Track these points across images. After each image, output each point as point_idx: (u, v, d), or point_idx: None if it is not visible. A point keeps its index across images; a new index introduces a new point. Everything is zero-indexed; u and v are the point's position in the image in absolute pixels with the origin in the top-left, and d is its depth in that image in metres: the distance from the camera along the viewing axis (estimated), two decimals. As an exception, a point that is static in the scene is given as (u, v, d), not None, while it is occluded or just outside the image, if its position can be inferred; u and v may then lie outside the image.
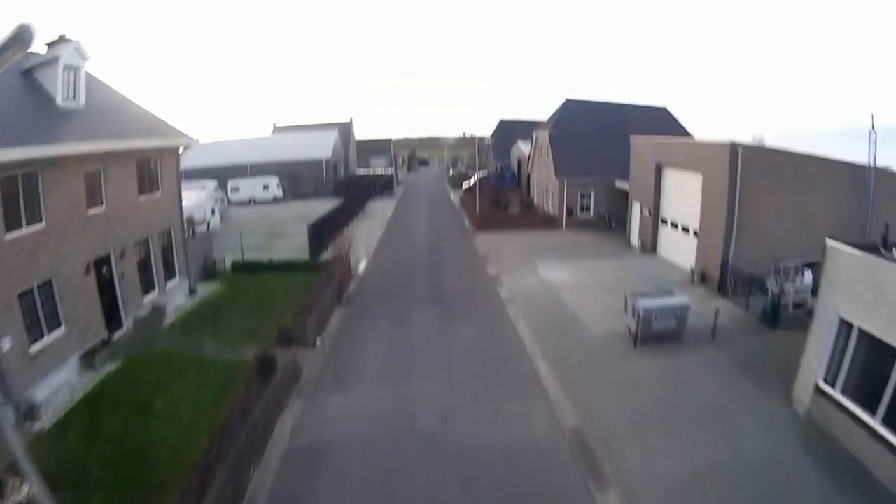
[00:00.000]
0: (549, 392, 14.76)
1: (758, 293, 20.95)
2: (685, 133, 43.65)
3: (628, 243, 32.51)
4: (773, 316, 19.15)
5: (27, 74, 16.72)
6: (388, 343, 18.31)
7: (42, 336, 14.66)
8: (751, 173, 21.88)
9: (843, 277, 12.70)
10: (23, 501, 8.84)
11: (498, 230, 37.82)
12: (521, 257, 29.54)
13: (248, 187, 56.81)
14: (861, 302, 11.96)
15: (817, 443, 12.11)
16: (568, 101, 43.13)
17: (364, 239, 34.70)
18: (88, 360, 15.89)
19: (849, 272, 12.56)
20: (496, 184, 54.77)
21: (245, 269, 26.08)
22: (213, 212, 36.94)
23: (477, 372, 15.95)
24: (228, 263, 26.50)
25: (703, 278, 23.79)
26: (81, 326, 16.14)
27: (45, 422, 13.01)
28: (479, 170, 54.50)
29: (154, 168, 20.84)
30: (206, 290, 23.44)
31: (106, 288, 17.64)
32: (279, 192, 57.16)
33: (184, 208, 25.37)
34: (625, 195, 34.63)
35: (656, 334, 17.57)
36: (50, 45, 17.64)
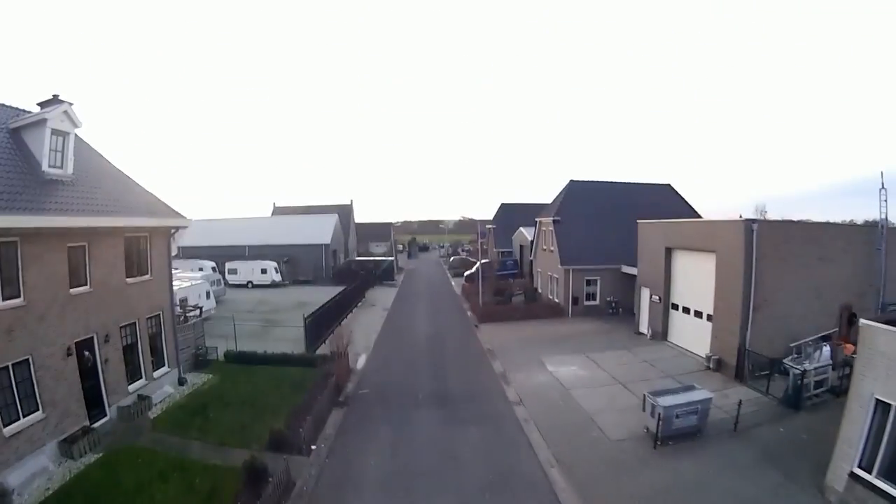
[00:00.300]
0: (567, 506, 13.26)
1: (776, 375, 20.17)
2: (690, 209, 43.65)
3: (637, 331, 31.35)
4: (796, 398, 18.45)
5: (14, 134, 16.20)
6: (389, 451, 16.63)
7: (18, 418, 13.77)
8: (766, 250, 21.43)
9: (878, 356, 12.20)
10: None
11: (502, 321, 36.58)
12: (528, 351, 28.15)
13: (245, 270, 56.23)
14: None
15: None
16: (572, 182, 42.99)
17: (364, 331, 33.39)
18: (67, 447, 14.85)
19: (885, 350, 12.04)
20: (498, 272, 54.00)
21: (238, 359, 24.64)
22: (207, 295, 35.84)
23: (487, 488, 14.34)
24: (221, 353, 25.14)
25: (720, 365, 22.73)
26: (60, 412, 15.14)
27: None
28: (480, 258, 53.91)
29: (144, 248, 20.05)
30: (197, 380, 22.03)
31: (88, 373, 16.62)
32: (277, 277, 56.47)
33: (177, 290, 24.43)
34: (631, 280, 33.88)
35: (677, 432, 16.40)
36: (42, 104, 17.29)
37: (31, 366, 14.18)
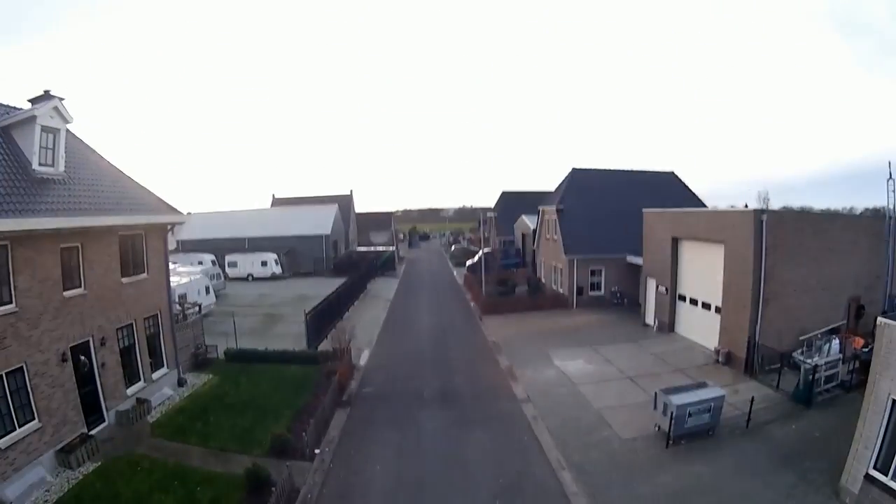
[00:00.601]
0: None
1: (786, 369, 19.87)
2: (694, 197, 43.15)
3: (643, 322, 30.95)
4: (807, 394, 18.14)
5: (3, 132, 15.55)
6: (395, 456, 16.18)
7: (13, 429, 13.33)
8: (776, 241, 20.98)
9: (895, 357, 11.87)
10: None
11: (506, 313, 36.08)
12: (534, 345, 27.70)
13: (245, 263, 55.74)
14: None
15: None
16: (574, 170, 42.34)
17: (366, 325, 32.95)
18: (65, 457, 14.39)
19: None
20: (501, 261, 53.53)
21: (239, 358, 24.19)
22: (206, 291, 35.40)
23: (498, 495, 13.91)
24: (221, 351, 24.72)
25: (729, 358, 22.33)
26: (57, 420, 14.70)
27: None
28: (482, 247, 53.41)
29: (139, 246, 19.49)
30: (197, 381, 21.59)
31: (85, 378, 16.14)
32: (278, 269, 56.03)
33: (175, 287, 23.90)
34: (636, 270, 33.45)
35: (689, 431, 16.05)
36: (33, 100, 16.65)
37: (26, 374, 13.71)
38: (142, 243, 19.46)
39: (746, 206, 28.78)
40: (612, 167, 43.98)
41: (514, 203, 68.06)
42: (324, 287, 42.48)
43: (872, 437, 12.10)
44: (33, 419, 13.94)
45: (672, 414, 15.64)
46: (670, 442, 15.77)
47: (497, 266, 49.88)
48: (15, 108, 17.02)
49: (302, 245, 61.61)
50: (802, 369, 18.45)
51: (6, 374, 13.19)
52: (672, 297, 28.02)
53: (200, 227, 54.78)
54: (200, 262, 46.19)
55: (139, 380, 18.91)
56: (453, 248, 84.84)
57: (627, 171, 43.78)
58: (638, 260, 32.90)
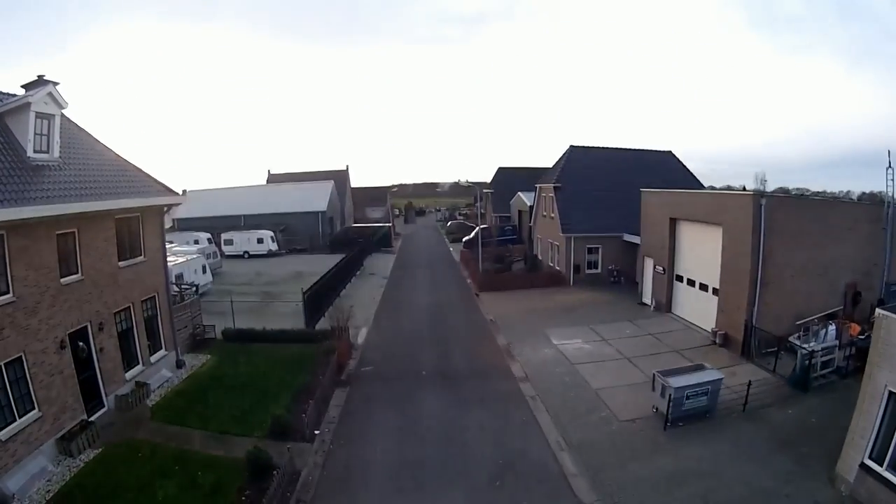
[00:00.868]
0: (579, 496, 13.06)
1: (782, 353, 19.92)
2: (692, 177, 43.11)
3: (640, 301, 31.04)
4: (804, 379, 18.18)
5: None
6: (395, 436, 16.29)
7: (13, 420, 13.24)
8: (774, 225, 20.91)
9: (893, 348, 11.85)
10: None
11: (503, 290, 36.18)
12: (531, 322, 27.82)
13: (241, 240, 55.52)
14: None
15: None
16: (572, 148, 42.09)
17: (363, 302, 33.00)
18: (66, 445, 14.31)
19: None
20: (498, 238, 53.47)
21: (237, 337, 24.20)
22: (203, 270, 35.26)
23: (497, 473, 14.10)
24: (219, 331, 24.71)
25: (726, 340, 22.43)
26: (57, 408, 14.61)
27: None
28: (479, 223, 53.27)
29: (136, 229, 19.28)
30: (195, 362, 21.59)
31: (84, 364, 16.02)
32: (274, 246, 55.86)
33: (172, 267, 23.74)
34: (633, 249, 33.49)
35: (687, 413, 16.17)
36: (27, 86, 16.21)
37: (25, 363, 13.57)
38: (138, 226, 19.25)
39: (744, 187, 28.66)
40: (611, 145, 43.72)
41: (510, 179, 67.68)
42: (320, 264, 42.41)
43: (868, 428, 12.15)
44: (33, 409, 13.84)
45: (670, 396, 15.73)
46: (668, 424, 15.89)
47: (493, 242, 49.85)
48: (7, 94, 16.58)
49: (298, 222, 61.36)
50: (799, 354, 18.52)
51: (5, 364, 13.03)
52: (669, 277, 28.06)
53: (196, 205, 54.23)
54: (196, 241, 45.98)
55: (138, 363, 18.86)
56: (449, 223, 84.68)
57: (626, 149, 43.54)
58: (635, 239, 32.88)
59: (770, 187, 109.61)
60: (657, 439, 15.49)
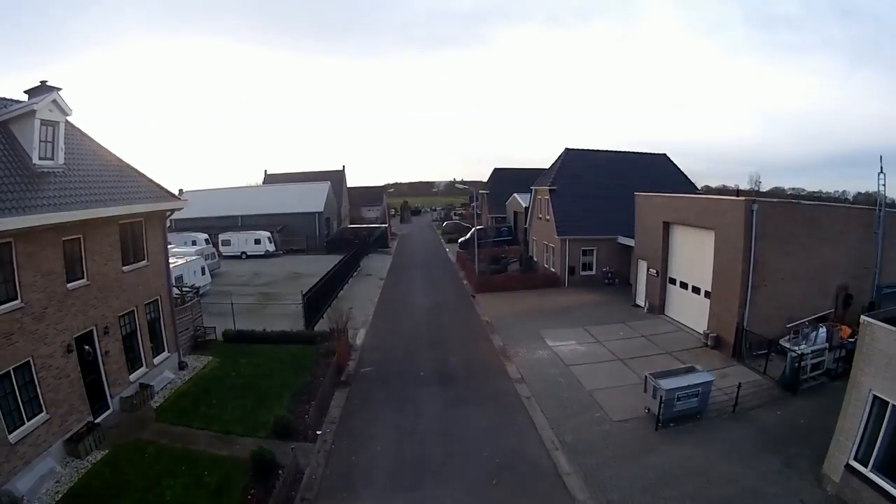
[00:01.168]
0: (573, 494, 13.54)
1: (773, 355, 20.36)
2: (686, 180, 43.64)
3: (634, 303, 31.53)
4: (793, 381, 18.60)
5: (3, 127, 15.43)
6: (395, 436, 16.74)
7: (22, 423, 13.52)
8: (766, 230, 21.36)
9: (877, 354, 12.26)
10: None
11: (498, 291, 36.62)
12: (527, 324, 28.27)
13: (239, 241, 55.82)
14: None
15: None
16: (568, 150, 42.64)
17: (360, 303, 33.40)
18: (73, 446, 14.64)
19: (883, 348, 12.11)
20: (494, 239, 53.91)
21: (238, 339, 24.61)
22: (202, 271, 35.60)
23: (494, 471, 14.56)
24: (219, 332, 25.08)
25: (718, 342, 22.92)
26: (64, 410, 14.94)
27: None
28: (475, 224, 53.68)
29: (139, 234, 19.62)
30: (197, 363, 21.96)
31: (89, 367, 16.34)
32: (271, 247, 56.20)
33: (173, 269, 24.04)
34: (628, 251, 33.96)
35: (678, 414, 16.67)
36: (30, 92, 16.57)
37: (33, 367, 13.89)
38: (141, 230, 19.59)
39: (738, 187, 29.18)
40: (606, 148, 44.34)
41: (506, 180, 68.18)
42: (317, 264, 42.78)
43: (853, 430, 12.53)
44: (41, 411, 14.10)
45: (661, 398, 16.19)
46: (659, 425, 16.35)
47: (489, 243, 50.29)
48: (10, 100, 16.82)
49: (295, 222, 61.78)
50: (789, 357, 18.90)
51: (14, 369, 13.33)
52: (662, 279, 28.57)
53: (193, 206, 54.03)
54: (194, 242, 46.28)
55: (141, 365, 19.21)
56: (445, 223, 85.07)
57: (620, 152, 44.19)
58: (629, 241, 33.37)
59: (765, 187, 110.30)
60: (649, 439, 15.95)
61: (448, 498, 13.48)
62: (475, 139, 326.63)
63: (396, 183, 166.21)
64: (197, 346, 23.68)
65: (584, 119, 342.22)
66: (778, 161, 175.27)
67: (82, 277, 16.25)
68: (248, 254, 55.06)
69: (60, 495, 13.09)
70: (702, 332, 24.08)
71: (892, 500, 11.27)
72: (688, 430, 16.32)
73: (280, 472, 13.50)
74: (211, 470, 14.18)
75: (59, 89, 16.49)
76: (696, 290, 25.74)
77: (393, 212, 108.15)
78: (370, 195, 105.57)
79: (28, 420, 13.73)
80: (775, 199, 27.87)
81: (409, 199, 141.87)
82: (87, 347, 16.28)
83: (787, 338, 20.36)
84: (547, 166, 46.60)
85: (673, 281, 28.08)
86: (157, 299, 20.65)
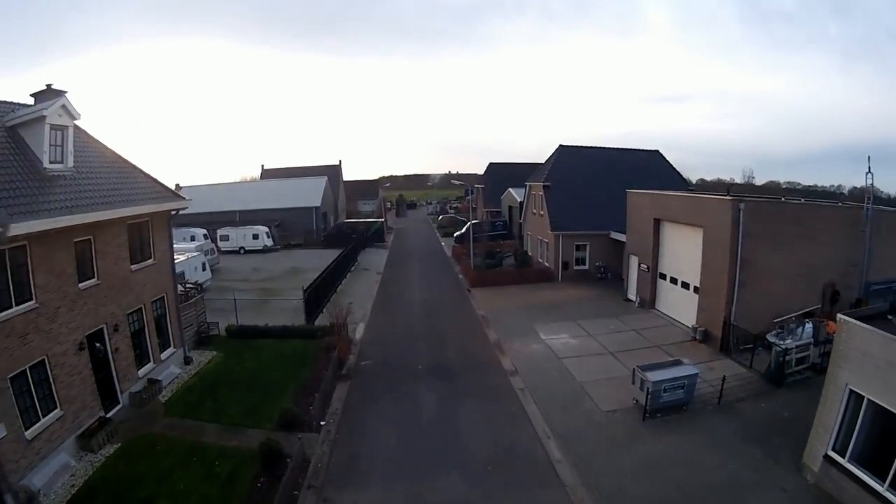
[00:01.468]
0: (564, 480, 14.33)
1: (760, 350, 21.03)
2: (678, 176, 44.48)
3: (626, 298, 32.33)
4: (778, 375, 19.25)
5: (12, 132, 15.85)
6: (395, 426, 17.55)
7: (38, 419, 14.07)
8: (753, 228, 22.02)
9: (853, 350, 12.92)
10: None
11: (493, 286, 37.45)
12: (521, 318, 29.04)
13: (237, 236, 56.32)
14: (872, 374, 12.30)
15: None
16: (562, 147, 43.40)
17: (359, 298, 34.12)
18: (86, 441, 15.23)
19: (859, 345, 12.76)
20: (489, 233, 54.61)
21: (240, 334, 25.32)
22: (203, 267, 36.17)
23: (489, 459, 15.37)
24: (222, 328, 25.76)
25: (706, 336, 23.66)
26: (77, 406, 15.52)
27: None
28: (470, 218, 54.35)
29: (146, 233, 20.23)
30: (202, 359, 22.64)
31: (100, 364, 16.95)
32: (269, 242, 56.70)
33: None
34: (620, 246, 34.68)
35: (664, 405, 17.44)
36: (36, 95, 17.08)
37: (47, 365, 14.44)
38: (148, 230, 20.20)
39: (732, 180, 29.86)
40: (599, 145, 44.96)
41: (501, 174, 68.83)
42: (315, 259, 43.42)
43: (831, 422, 13.19)
44: (55, 408, 14.62)
45: (648, 390, 16.99)
46: (647, 415, 17.14)
47: (484, 238, 50.97)
48: (16, 103, 17.34)
49: (292, 217, 62.33)
50: (774, 351, 19.56)
51: (29, 367, 13.84)
52: (653, 275, 29.34)
53: (191, 201, 54.52)
54: (193, 238, 46.74)
55: (149, 361, 19.84)
56: (441, 217, 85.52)
57: (614, 148, 44.91)
58: (622, 237, 34.11)
59: (761, 181, 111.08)
60: (636, 429, 16.73)
61: (446, 483, 14.26)
62: (470, 132, 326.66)
63: (392, 176, 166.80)
64: (201, 342, 24.36)
65: (579, 112, 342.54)
66: (774, 155, 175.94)
67: (93, 277, 16.81)
68: (247, 249, 55.53)
69: (76, 489, 13.62)
70: (691, 326, 24.83)
71: (868, 488, 11.90)
72: (674, 420, 17.09)
73: (288, 461, 14.22)
74: (221, 461, 14.88)
75: (65, 93, 17.01)
76: (685, 285, 26.50)
77: (389, 205, 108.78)
78: (365, 188, 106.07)
79: (43, 416, 14.22)
80: (763, 198, 28.50)
81: (404, 192, 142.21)
82: (98, 345, 16.88)
83: (773, 333, 20.95)
84: (542, 160, 47.35)
85: (663, 276, 28.83)
86: (164, 296, 21.27)
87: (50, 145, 16.25)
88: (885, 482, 11.56)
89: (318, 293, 30.41)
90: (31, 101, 17.31)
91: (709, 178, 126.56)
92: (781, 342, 19.72)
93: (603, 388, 19.60)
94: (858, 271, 23.40)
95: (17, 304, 13.63)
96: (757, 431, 16.14)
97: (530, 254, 45.13)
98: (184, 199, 22.02)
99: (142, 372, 19.24)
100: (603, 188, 38.52)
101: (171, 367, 20.95)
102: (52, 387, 14.67)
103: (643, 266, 30.17)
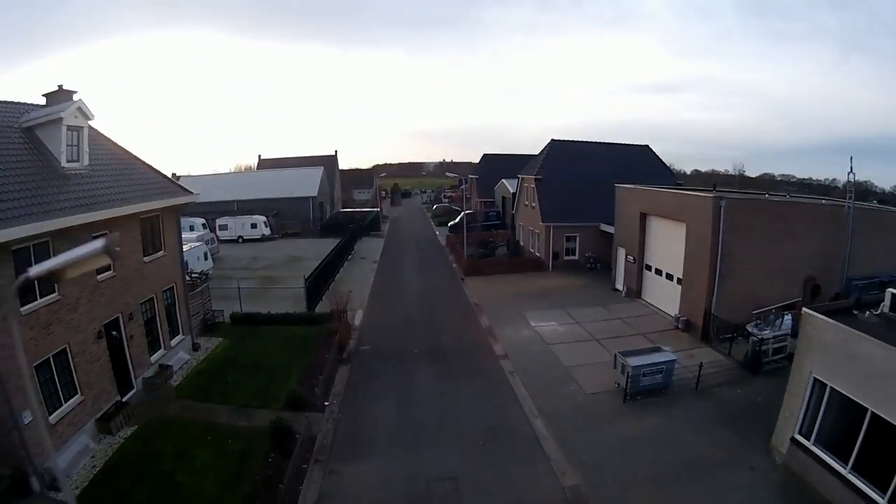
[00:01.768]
0: (549, 454, 15.66)
1: (740, 339, 22.04)
2: (666, 170, 45.87)
3: (613, 287, 33.60)
4: (754, 363, 20.29)
5: (29, 133, 16.69)
6: (394, 405, 18.85)
7: (60, 404, 15.05)
8: (733, 224, 22.97)
9: (816, 342, 13.92)
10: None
11: (486, 275, 38.71)
12: (512, 306, 30.28)
13: (236, 226, 57.24)
14: (833, 364, 13.27)
15: (794, 491, 13.46)
16: (553, 141, 44.54)
17: (356, 286, 35.27)
18: (104, 424, 16.19)
19: (822, 337, 13.74)
20: (482, 223, 55.75)
21: (244, 321, 26.52)
22: (205, 257, 37.16)
23: (480, 433, 16.70)
24: (227, 315, 26.91)
25: (688, 325, 24.87)
26: (96, 392, 16.52)
27: (67, 493, 13.08)
28: (464, 208, 55.38)
29: (157, 227, 21.28)
30: (209, 345, 23.78)
31: (116, 351, 18.00)
32: (267, 231, 57.65)
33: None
34: (609, 237, 35.86)
35: (644, 389, 18.65)
36: (48, 95, 18.05)
37: (69, 353, 15.42)
38: (159, 224, 21.28)
39: (714, 187, 30.88)
40: (593, 133, 46.31)
41: (495, 165, 69.87)
42: (313, 248, 44.46)
43: (797, 407, 14.11)
44: (76, 393, 15.61)
45: (629, 374, 18.26)
46: (627, 397, 18.42)
47: (478, 228, 52.12)
48: (29, 104, 18.17)
49: (289, 207, 63.20)
50: (751, 341, 20.63)
51: (53, 356, 14.85)
52: (639, 266, 30.60)
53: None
54: (192, 227, 47.54)
55: (160, 347, 20.97)
56: (435, 206, 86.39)
57: (604, 143, 46.19)
58: (610, 228, 35.33)
59: (755, 173, 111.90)
60: (617, 410, 18.05)
61: (441, 456, 15.56)
62: (465, 121, 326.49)
63: (386, 164, 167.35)
64: (207, 329, 25.48)
65: (573, 102, 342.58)
66: (768, 147, 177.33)
67: (110, 269, 17.79)
68: (245, 238, 56.50)
69: (98, 469, 14.49)
70: (674, 315, 26.03)
71: (832, 470, 12.90)
72: (653, 402, 18.36)
73: (297, 437, 15.49)
74: (234, 439, 16.08)
75: (75, 92, 18.15)
76: (669, 276, 27.72)
77: (383, 194, 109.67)
78: (361, 177, 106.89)
79: (65, 402, 15.14)
80: (746, 194, 29.62)
81: (398, 180, 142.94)
82: (114, 333, 17.98)
83: (752, 323, 21.73)
84: (536, 151, 48.51)
85: (649, 267, 30.08)
86: (173, 286, 22.38)
87: (67, 145, 17.26)
88: (847, 464, 12.40)
89: (318, 281, 31.60)
90: (29, 98, 18.35)
91: (703, 168, 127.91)
92: (759, 332, 20.62)
93: (588, 372, 20.86)
94: (839, 266, 24.18)
95: (41, 297, 14.62)
96: (731, 415, 17.23)
97: (522, 244, 46.37)
98: (191, 192, 23.01)
99: (154, 358, 20.35)
100: (593, 181, 39.52)
101: (180, 353, 22.10)
102: (73, 373, 15.65)
103: (630, 257, 31.40)
